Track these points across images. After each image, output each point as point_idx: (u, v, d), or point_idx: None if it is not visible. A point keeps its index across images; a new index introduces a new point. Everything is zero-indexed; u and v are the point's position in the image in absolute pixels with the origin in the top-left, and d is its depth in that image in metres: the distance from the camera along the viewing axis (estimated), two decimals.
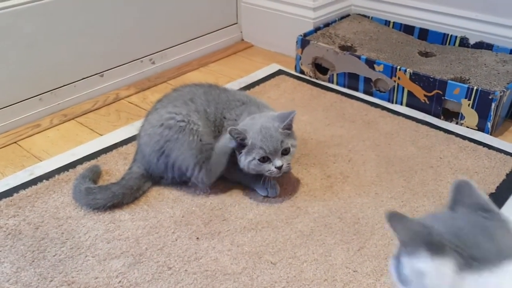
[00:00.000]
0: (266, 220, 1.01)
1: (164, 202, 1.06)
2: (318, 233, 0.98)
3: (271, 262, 0.91)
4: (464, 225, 0.56)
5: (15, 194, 1.08)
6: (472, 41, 1.56)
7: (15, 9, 1.26)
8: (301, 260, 0.92)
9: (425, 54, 1.55)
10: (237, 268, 0.90)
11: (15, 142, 1.29)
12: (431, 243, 0.53)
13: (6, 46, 1.27)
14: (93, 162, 1.18)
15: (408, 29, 1.69)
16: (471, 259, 0.52)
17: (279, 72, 1.63)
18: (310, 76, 1.60)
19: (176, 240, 0.96)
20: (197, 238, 0.97)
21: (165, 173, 1.08)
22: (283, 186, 1.10)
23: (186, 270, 0.90)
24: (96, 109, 1.45)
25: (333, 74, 1.55)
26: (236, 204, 1.06)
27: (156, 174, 1.09)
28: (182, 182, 1.09)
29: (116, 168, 1.16)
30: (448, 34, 1.60)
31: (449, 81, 1.31)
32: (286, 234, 0.98)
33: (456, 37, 1.59)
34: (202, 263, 0.91)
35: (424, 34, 1.65)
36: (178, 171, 1.07)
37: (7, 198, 1.06)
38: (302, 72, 1.62)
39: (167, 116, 1.06)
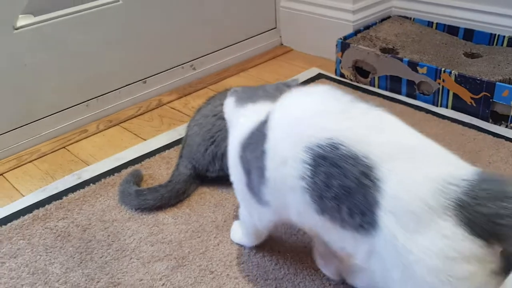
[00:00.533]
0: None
1: (206, 206, 1.07)
2: None
3: (314, 269, 0.90)
4: (259, 88, 0.89)
5: (64, 197, 1.12)
6: None
7: (63, 19, 1.32)
8: None
9: (471, 55, 1.50)
10: (279, 273, 0.90)
11: (63, 147, 1.34)
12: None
13: (55, 55, 1.32)
14: (137, 166, 1.21)
15: (452, 30, 1.64)
16: (242, 100, 0.86)
17: (319, 76, 1.61)
18: (351, 80, 1.58)
19: (218, 244, 0.97)
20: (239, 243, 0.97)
21: (212, 165, 1.09)
22: None
23: (228, 275, 0.90)
24: (140, 115, 1.48)
25: (374, 77, 1.53)
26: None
27: (202, 166, 1.10)
28: (228, 175, 1.09)
29: (159, 173, 1.18)
30: (495, 34, 1.54)
31: (498, 83, 1.26)
32: None
33: (504, 37, 1.53)
34: (243, 268, 0.91)
35: (469, 34, 1.60)
36: (226, 162, 1.08)
37: (57, 201, 1.11)
38: (342, 75, 1.61)
39: (221, 108, 1.08)
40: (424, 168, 0.61)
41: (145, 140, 1.35)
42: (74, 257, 0.96)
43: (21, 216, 1.07)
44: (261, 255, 0.94)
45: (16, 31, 1.24)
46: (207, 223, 1.02)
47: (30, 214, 1.07)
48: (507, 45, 1.53)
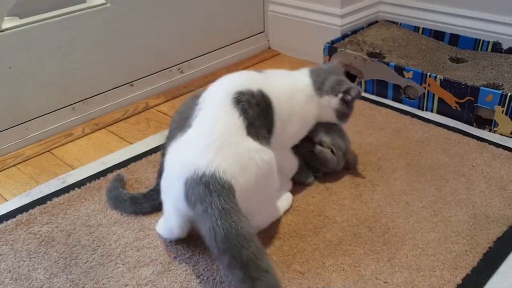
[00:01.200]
0: (293, 229, 1.00)
1: None
2: (347, 243, 0.96)
3: (299, 272, 0.90)
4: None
5: (48, 202, 1.10)
6: (505, 46, 1.53)
7: (49, 22, 1.30)
8: (330, 270, 0.91)
9: (456, 60, 1.52)
10: None
11: (48, 151, 1.33)
12: None
13: (41, 57, 1.31)
14: (123, 170, 1.20)
15: (438, 35, 1.66)
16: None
17: None
18: None
19: (204, 249, 0.96)
20: None
21: None
22: (311, 195, 1.10)
23: (214, 279, 0.90)
24: (126, 118, 1.48)
25: (361, 81, 1.54)
26: None
27: None
28: None
29: (145, 176, 1.18)
30: (480, 39, 1.56)
31: (482, 88, 1.28)
32: (315, 243, 0.97)
33: (488, 42, 1.55)
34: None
35: (455, 39, 1.62)
36: None
37: (41, 206, 1.09)
38: None
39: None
40: None
41: (131, 143, 1.34)
42: (58, 263, 0.95)
43: (4, 221, 1.05)
44: None
45: (1, 33, 1.23)
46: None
47: (14, 219, 1.05)
48: (492, 50, 1.55)
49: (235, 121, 0.87)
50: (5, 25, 1.24)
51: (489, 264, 0.91)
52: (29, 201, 1.12)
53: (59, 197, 1.12)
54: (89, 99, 1.45)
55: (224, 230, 0.77)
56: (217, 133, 0.85)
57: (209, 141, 0.84)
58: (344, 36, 1.65)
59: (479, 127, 1.33)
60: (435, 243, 0.95)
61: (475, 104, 1.30)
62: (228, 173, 0.82)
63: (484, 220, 1.01)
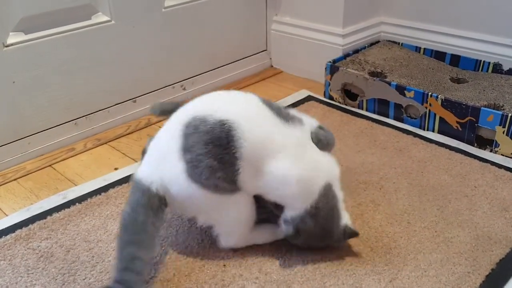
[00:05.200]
0: (295, 249, 0.99)
1: (193, 228, 1.06)
2: (348, 263, 0.95)
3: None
4: None
5: (48, 217, 1.10)
6: (505, 67, 1.54)
7: (54, 38, 1.32)
8: None
9: (457, 81, 1.52)
10: None
11: (50, 165, 1.33)
12: None
13: (45, 73, 1.32)
14: (124, 186, 1.20)
15: (439, 55, 1.67)
16: None
17: (309, 98, 1.63)
18: (340, 102, 1.60)
19: (204, 266, 0.96)
20: (224, 265, 0.96)
21: None
22: None
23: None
24: (129, 134, 1.48)
25: (362, 100, 1.54)
26: None
27: None
28: None
29: None
30: (480, 60, 1.58)
31: (482, 108, 1.28)
32: (315, 263, 0.96)
33: (489, 63, 1.56)
34: None
35: (456, 60, 1.63)
36: None
37: (41, 221, 1.09)
38: (331, 98, 1.62)
39: None
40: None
41: (133, 159, 1.34)
42: (56, 279, 0.94)
43: (3, 236, 1.04)
44: (246, 277, 0.93)
45: (5, 48, 1.24)
46: (194, 245, 1.01)
47: (13, 234, 1.05)
48: (492, 71, 1.56)
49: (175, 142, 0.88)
50: (10, 40, 1.25)
51: (491, 286, 0.90)
52: (29, 216, 1.11)
53: (59, 212, 1.11)
54: (91, 114, 1.45)
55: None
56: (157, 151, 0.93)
57: (151, 157, 0.93)
58: (345, 56, 1.66)
59: (480, 147, 1.33)
60: (437, 264, 0.95)
61: (476, 124, 1.31)
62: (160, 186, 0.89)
63: (487, 241, 1.00)
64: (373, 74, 1.54)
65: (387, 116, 1.50)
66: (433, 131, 1.41)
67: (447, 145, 1.34)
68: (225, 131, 0.85)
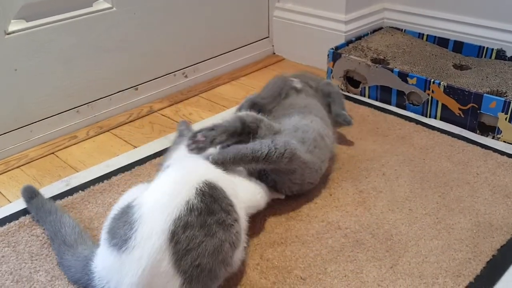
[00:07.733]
0: (296, 235, 1.00)
1: None
2: (349, 249, 0.96)
3: (301, 278, 0.90)
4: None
5: None
6: (509, 54, 1.52)
7: (56, 25, 1.31)
8: (332, 276, 0.90)
9: (460, 67, 1.51)
10: (266, 282, 0.89)
11: (52, 153, 1.33)
12: None
13: (46, 60, 1.32)
14: (127, 173, 1.20)
15: (442, 42, 1.66)
16: None
17: None
18: (342, 89, 1.59)
19: None
20: None
21: None
22: (314, 200, 1.10)
23: None
24: (131, 121, 1.48)
25: (365, 87, 1.54)
26: (265, 218, 1.05)
27: None
28: None
29: (149, 180, 1.18)
30: (484, 47, 1.56)
31: (485, 95, 1.28)
32: (316, 249, 0.96)
33: (492, 49, 1.55)
34: (230, 277, 0.91)
35: (459, 46, 1.62)
36: None
37: None
38: None
39: None
40: None
41: (135, 147, 1.35)
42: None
43: (7, 223, 1.05)
44: (247, 263, 0.93)
45: (7, 36, 1.24)
46: None
47: (16, 221, 1.06)
48: (495, 58, 1.55)
49: None
50: (11, 28, 1.24)
51: (492, 272, 0.91)
52: None
53: (62, 200, 1.12)
54: (93, 102, 1.45)
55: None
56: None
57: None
58: (348, 42, 1.65)
59: (482, 134, 1.32)
60: (438, 251, 0.95)
61: (478, 111, 1.30)
62: None
63: (488, 228, 1.00)
64: (375, 60, 1.53)
65: (390, 103, 1.49)
66: (435, 118, 1.41)
67: (449, 132, 1.33)
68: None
